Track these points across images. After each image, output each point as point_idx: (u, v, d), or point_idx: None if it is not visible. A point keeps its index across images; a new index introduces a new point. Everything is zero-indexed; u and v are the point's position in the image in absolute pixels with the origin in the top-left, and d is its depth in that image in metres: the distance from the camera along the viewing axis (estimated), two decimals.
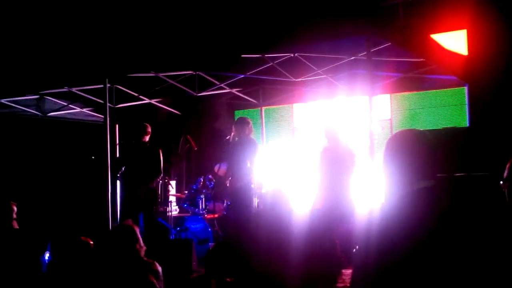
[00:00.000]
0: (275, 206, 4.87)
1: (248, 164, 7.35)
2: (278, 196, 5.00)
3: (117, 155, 8.64)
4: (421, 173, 2.16)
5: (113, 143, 8.61)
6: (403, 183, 2.17)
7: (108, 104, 6.88)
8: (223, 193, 8.55)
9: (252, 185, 7.44)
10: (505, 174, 2.67)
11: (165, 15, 6.06)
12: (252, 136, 7.50)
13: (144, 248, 4.01)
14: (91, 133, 9.86)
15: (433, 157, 2.20)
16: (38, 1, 6.05)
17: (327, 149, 6.71)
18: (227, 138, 7.60)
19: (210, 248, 6.88)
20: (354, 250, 2.27)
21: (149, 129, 7.62)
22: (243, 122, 7.44)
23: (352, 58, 7.61)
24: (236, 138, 7.45)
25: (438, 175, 2.20)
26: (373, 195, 5.42)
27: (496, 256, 2.15)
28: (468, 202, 2.22)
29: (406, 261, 2.04)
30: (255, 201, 7.61)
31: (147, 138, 7.62)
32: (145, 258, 4.00)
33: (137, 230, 4.04)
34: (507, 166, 2.67)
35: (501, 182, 2.69)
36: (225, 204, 8.42)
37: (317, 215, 6.46)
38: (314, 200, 6.76)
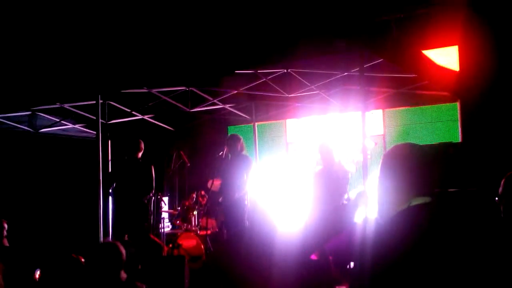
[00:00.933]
0: (259, 223, 4.87)
1: (243, 179, 7.36)
2: (261, 212, 5.00)
3: (109, 171, 8.59)
4: (418, 189, 2.12)
5: (106, 159, 8.57)
6: (399, 200, 2.13)
7: (100, 120, 6.85)
8: (215, 210, 8.52)
9: (246, 202, 7.42)
10: (500, 191, 2.66)
11: (158, 31, 6.07)
12: (244, 152, 7.53)
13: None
14: (83, 149, 9.81)
15: (430, 172, 2.17)
16: (30, 17, 6.05)
17: (321, 171, 6.73)
18: (220, 154, 7.60)
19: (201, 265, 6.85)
20: (350, 266, 2.26)
21: (142, 145, 7.60)
22: (234, 139, 7.51)
23: (345, 73, 7.65)
24: (229, 155, 7.49)
25: (436, 190, 2.17)
26: (367, 209, 5.39)
27: (493, 271, 2.14)
28: (463, 217, 2.20)
29: (402, 278, 2.01)
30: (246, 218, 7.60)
31: (140, 154, 7.59)
32: (133, 281, 3.91)
33: (122, 251, 3.94)
34: (502, 182, 2.66)
35: (497, 198, 2.67)
36: (217, 221, 8.38)
37: (309, 231, 6.43)
38: (307, 216, 6.75)
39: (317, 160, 6.81)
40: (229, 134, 7.97)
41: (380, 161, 2.24)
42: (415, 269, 2.00)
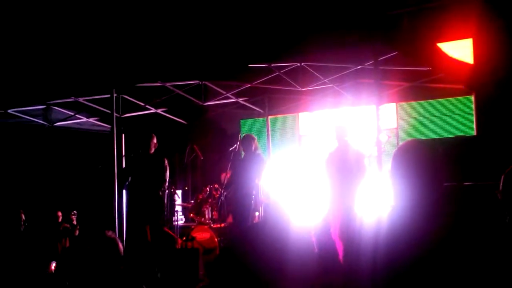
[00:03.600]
0: (273, 216, 4.90)
1: (255, 178, 7.44)
2: (275, 206, 5.03)
3: (124, 166, 8.65)
4: (428, 184, 2.16)
5: (120, 153, 8.62)
6: (411, 195, 2.17)
7: (115, 114, 6.90)
8: (227, 203, 8.57)
9: (253, 198, 7.50)
10: (500, 187, 2.67)
11: (171, 25, 6.10)
12: (259, 152, 7.61)
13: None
14: (97, 142, 9.89)
15: (441, 168, 2.19)
16: (45, 12, 6.09)
17: (337, 150, 6.71)
18: (233, 148, 7.66)
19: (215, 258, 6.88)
20: (361, 259, 2.28)
21: (155, 140, 7.65)
22: (249, 139, 7.58)
23: (359, 67, 7.63)
24: (243, 153, 7.58)
25: (446, 185, 2.20)
26: (381, 203, 5.41)
27: (501, 267, 2.15)
28: (476, 211, 2.22)
29: (413, 272, 2.04)
30: (260, 211, 7.65)
31: (153, 148, 7.64)
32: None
33: (120, 245, 3.91)
34: (502, 178, 2.66)
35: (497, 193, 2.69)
36: (228, 214, 8.43)
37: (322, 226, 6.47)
38: (326, 207, 6.77)
39: (333, 145, 6.80)
40: (243, 134, 8.00)
41: (391, 158, 2.27)
42: (425, 263, 2.02)
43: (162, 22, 6.18)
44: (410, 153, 2.23)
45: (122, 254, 3.86)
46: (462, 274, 2.00)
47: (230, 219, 8.56)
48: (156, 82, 7.87)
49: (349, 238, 6.17)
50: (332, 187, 6.64)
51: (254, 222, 7.43)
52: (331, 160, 6.73)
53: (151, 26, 6.65)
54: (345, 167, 6.47)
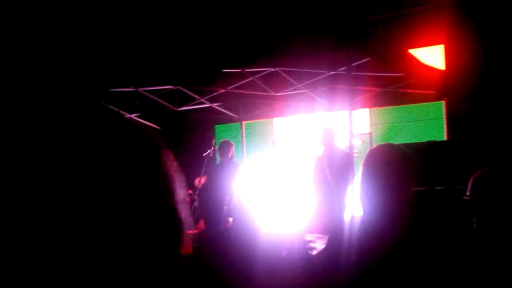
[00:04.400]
0: (243, 222, 4.90)
1: (230, 184, 7.47)
2: (246, 211, 5.02)
3: None
4: (394, 187, 2.21)
5: None
6: (379, 197, 2.21)
7: None
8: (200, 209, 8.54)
9: (227, 203, 7.52)
10: (467, 192, 2.70)
11: (145, 30, 6.06)
12: (235, 159, 7.68)
13: None
14: None
15: (408, 172, 2.24)
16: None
17: (323, 155, 6.73)
18: (207, 153, 7.66)
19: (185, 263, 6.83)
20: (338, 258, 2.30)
21: None
22: (227, 145, 7.60)
23: (332, 72, 7.67)
24: (219, 159, 7.61)
25: (415, 189, 2.24)
26: (354, 207, 5.42)
27: (466, 270, 2.20)
28: (445, 215, 2.26)
29: (376, 272, 2.09)
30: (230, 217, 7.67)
31: None
32: None
33: None
34: (470, 182, 2.70)
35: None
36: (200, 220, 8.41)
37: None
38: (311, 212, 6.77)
39: (318, 145, 6.80)
40: (221, 140, 8.00)
41: (362, 161, 2.32)
42: (390, 264, 2.07)
43: (136, 27, 6.13)
44: (378, 156, 2.28)
45: None
46: (419, 277, 2.05)
47: (201, 225, 8.52)
48: (129, 87, 7.81)
49: (332, 238, 6.17)
50: (319, 191, 6.66)
51: (226, 227, 7.43)
52: (319, 164, 6.74)
53: (125, 32, 6.59)
54: (334, 171, 6.48)
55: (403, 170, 2.23)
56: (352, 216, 2.53)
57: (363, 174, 2.30)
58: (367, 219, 2.26)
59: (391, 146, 2.35)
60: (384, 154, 2.28)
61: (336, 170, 6.47)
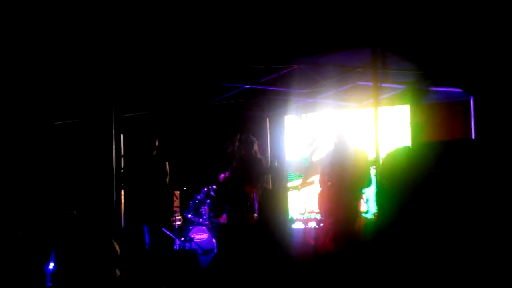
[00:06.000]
0: (270, 215, 4.95)
1: (255, 182, 7.49)
2: (272, 205, 5.07)
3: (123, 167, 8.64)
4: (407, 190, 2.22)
5: (119, 153, 8.60)
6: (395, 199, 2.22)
7: (113, 114, 6.89)
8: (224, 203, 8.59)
9: (252, 197, 7.54)
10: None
11: (175, 25, 6.06)
12: (259, 153, 7.66)
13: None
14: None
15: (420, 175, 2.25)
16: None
17: (335, 152, 6.72)
18: (231, 149, 7.71)
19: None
20: None
21: (157, 143, 7.69)
22: (250, 140, 7.62)
23: (359, 69, 7.60)
24: (243, 154, 7.61)
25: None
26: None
27: None
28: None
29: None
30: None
31: (154, 152, 7.67)
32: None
33: (117, 247, 3.87)
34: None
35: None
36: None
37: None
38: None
39: (333, 147, 6.80)
40: (244, 135, 8.01)
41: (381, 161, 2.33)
42: None
43: (166, 19, 6.12)
44: (394, 160, 2.30)
45: (119, 254, 3.84)
46: None
47: (224, 219, 8.57)
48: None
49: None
50: (331, 191, 6.65)
51: (251, 222, 7.46)
52: (330, 162, 6.73)
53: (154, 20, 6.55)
54: (345, 170, 6.47)
55: (413, 174, 2.23)
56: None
57: (379, 175, 2.31)
58: (383, 218, 2.27)
59: (407, 150, 2.35)
60: (399, 158, 2.28)
61: (348, 170, 6.46)
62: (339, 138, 6.74)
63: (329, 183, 6.58)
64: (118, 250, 3.85)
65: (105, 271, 3.75)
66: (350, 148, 6.69)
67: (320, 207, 6.84)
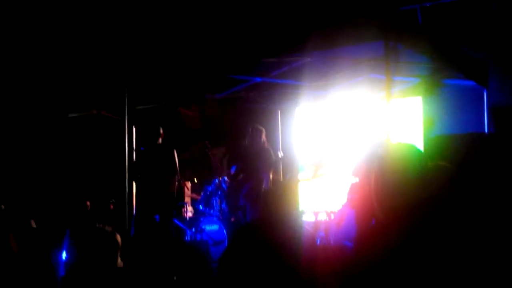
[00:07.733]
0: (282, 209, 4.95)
1: (265, 174, 7.50)
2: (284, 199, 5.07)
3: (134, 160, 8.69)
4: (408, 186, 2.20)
5: (131, 145, 8.66)
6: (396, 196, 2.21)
7: (126, 106, 6.93)
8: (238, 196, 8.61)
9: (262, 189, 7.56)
10: None
11: (185, 21, 6.09)
12: (267, 144, 7.66)
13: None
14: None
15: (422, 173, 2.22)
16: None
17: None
18: (245, 142, 7.74)
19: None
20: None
21: (162, 131, 7.72)
22: (257, 131, 7.62)
23: (370, 62, 7.58)
24: (252, 145, 7.63)
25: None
26: None
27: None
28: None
29: None
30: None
31: (160, 140, 7.70)
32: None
33: (118, 238, 3.82)
34: None
35: None
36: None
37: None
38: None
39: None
40: (252, 126, 8.01)
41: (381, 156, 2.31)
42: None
43: (177, 15, 6.15)
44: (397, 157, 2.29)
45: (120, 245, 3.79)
46: None
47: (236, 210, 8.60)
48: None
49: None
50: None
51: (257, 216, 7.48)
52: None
53: (166, 17, 6.59)
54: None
55: (416, 171, 2.21)
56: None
57: (379, 170, 2.27)
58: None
59: (409, 147, 2.32)
60: (400, 154, 2.26)
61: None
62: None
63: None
64: (120, 242, 3.81)
65: (106, 262, 3.72)
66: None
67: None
